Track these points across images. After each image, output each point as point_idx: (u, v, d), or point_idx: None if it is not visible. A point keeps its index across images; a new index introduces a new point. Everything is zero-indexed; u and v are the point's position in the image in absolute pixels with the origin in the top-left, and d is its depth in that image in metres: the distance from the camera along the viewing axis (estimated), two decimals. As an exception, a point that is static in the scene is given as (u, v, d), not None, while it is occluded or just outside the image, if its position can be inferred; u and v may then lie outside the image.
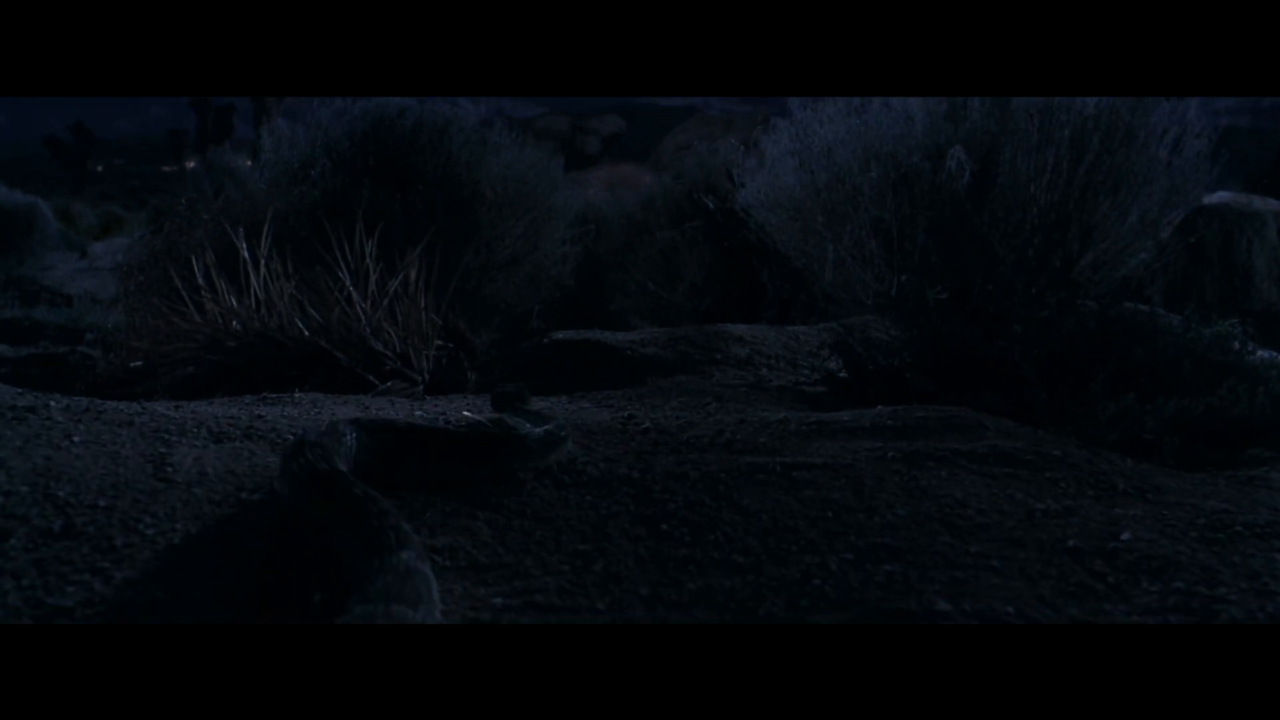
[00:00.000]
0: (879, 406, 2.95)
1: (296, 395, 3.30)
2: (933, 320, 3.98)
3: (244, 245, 4.51)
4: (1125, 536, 2.02)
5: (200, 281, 4.49)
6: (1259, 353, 3.74)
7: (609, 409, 3.02)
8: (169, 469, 2.07)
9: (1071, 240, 4.14)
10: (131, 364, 4.32)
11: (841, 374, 4.06)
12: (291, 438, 2.50)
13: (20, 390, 2.68)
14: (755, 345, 5.14)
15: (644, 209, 8.00)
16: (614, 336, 5.29)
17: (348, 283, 4.35)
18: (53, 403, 2.56)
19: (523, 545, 1.94)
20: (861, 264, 4.09)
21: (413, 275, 4.41)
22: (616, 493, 2.23)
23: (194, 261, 4.54)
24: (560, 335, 5.44)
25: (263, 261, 4.40)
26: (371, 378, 4.03)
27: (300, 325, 4.28)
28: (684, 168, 8.02)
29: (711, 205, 6.40)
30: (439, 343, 5.16)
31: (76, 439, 2.24)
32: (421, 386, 4.42)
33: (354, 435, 2.13)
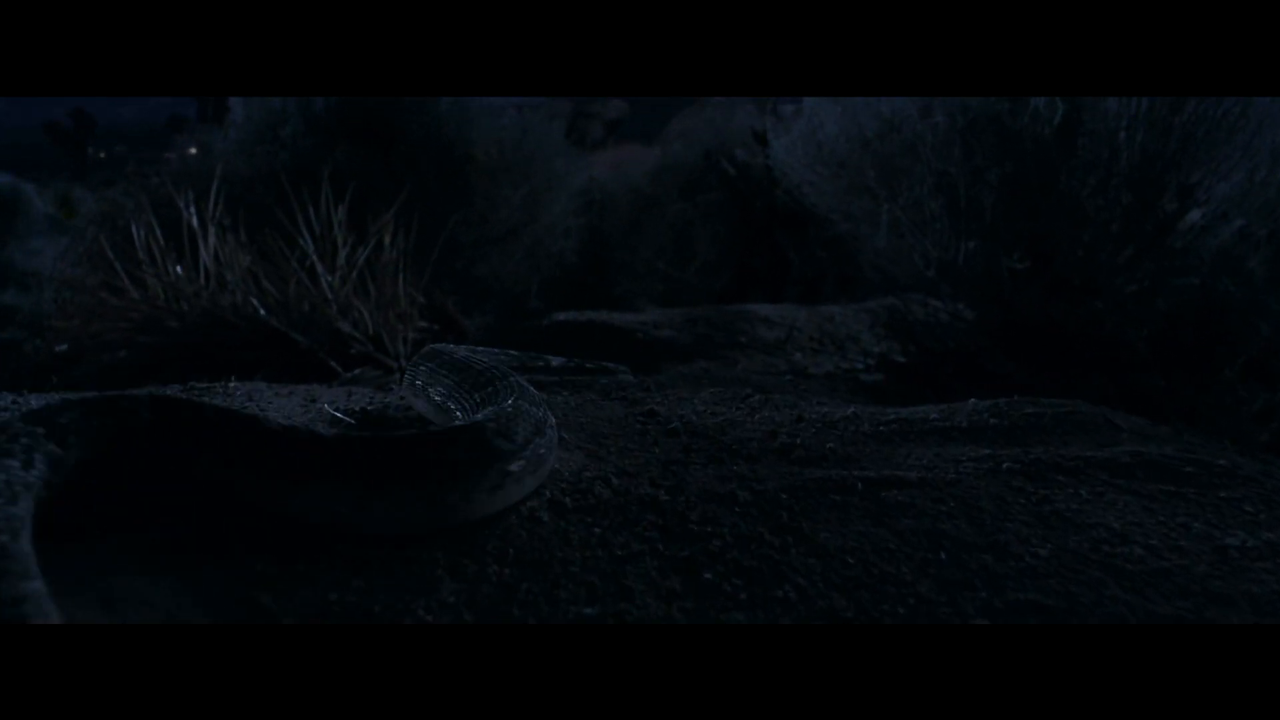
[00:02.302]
0: (971, 400, 2.29)
1: (231, 385, 2.65)
2: (1005, 292, 3.33)
3: (192, 211, 3.85)
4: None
5: (141, 255, 3.84)
6: None
7: (622, 401, 2.37)
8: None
9: (1167, 200, 3.48)
10: (56, 348, 3.68)
11: (899, 359, 3.41)
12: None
13: None
14: (785, 328, 4.48)
15: (652, 182, 7.33)
16: (623, 317, 4.63)
17: (311, 253, 3.70)
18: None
19: (502, 607, 1.30)
20: (919, 228, 3.42)
21: (387, 242, 3.75)
22: (638, 523, 1.59)
23: (134, 230, 3.89)
24: (562, 316, 4.78)
25: (211, 229, 3.74)
26: (335, 364, 3.38)
27: (254, 303, 3.62)
28: (695, 133, 7.34)
29: (732, 170, 5.73)
30: (422, 324, 4.52)
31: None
32: (398, 373, 3.77)
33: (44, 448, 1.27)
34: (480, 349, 2.57)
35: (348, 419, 2.05)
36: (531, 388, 1.84)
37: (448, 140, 5.04)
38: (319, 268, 3.67)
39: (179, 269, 3.74)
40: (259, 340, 3.52)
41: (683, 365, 4.13)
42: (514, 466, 1.53)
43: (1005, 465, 1.86)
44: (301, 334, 3.48)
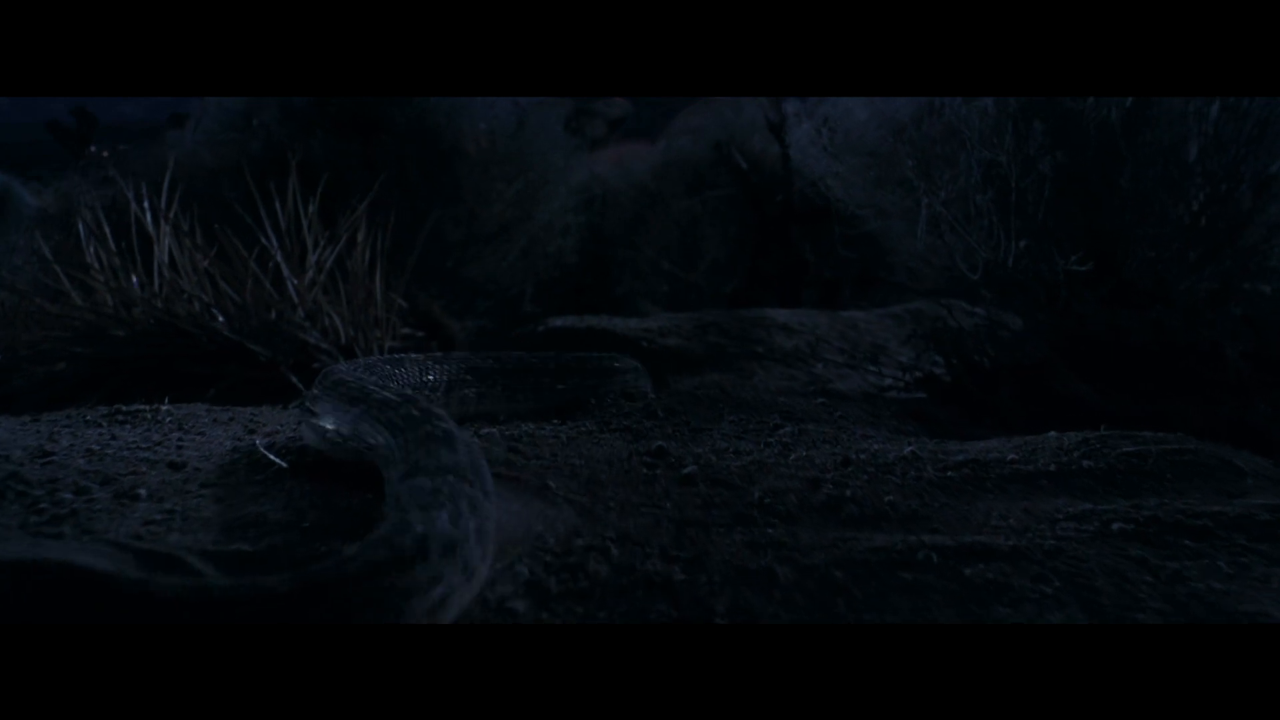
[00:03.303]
0: (1050, 434, 1.87)
1: (164, 409, 2.23)
2: (1062, 298, 2.92)
3: (146, 208, 3.44)
4: None
5: (90, 257, 3.43)
6: None
7: (624, 433, 1.96)
8: None
9: (1242, 195, 3.07)
10: (-12, 360, 3.27)
11: (940, 374, 2.99)
12: (69, 495, 1.45)
13: None
14: (804, 336, 4.07)
15: (656, 177, 6.91)
16: (625, 324, 4.22)
17: (275, 254, 3.29)
18: None
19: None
20: (963, 224, 3.01)
21: (359, 240, 3.33)
22: (645, 612, 1.18)
23: (81, 229, 3.48)
24: (559, 322, 4.37)
25: (165, 228, 3.33)
26: (297, 380, 2.96)
27: (211, 310, 3.21)
28: (702, 126, 6.92)
29: (744, 163, 5.31)
30: (405, 331, 4.10)
31: None
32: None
33: None
34: (430, 358, 2.16)
35: (280, 461, 1.63)
36: (454, 433, 1.41)
37: (435, 129, 4.63)
38: (284, 270, 3.25)
39: (131, 273, 3.33)
40: (216, 352, 3.11)
41: (693, 378, 3.71)
42: (434, 594, 1.06)
43: (1115, 526, 1.45)
44: (262, 345, 3.07)
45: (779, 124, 4.75)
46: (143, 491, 1.46)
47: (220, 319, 3.19)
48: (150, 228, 3.42)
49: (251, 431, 1.99)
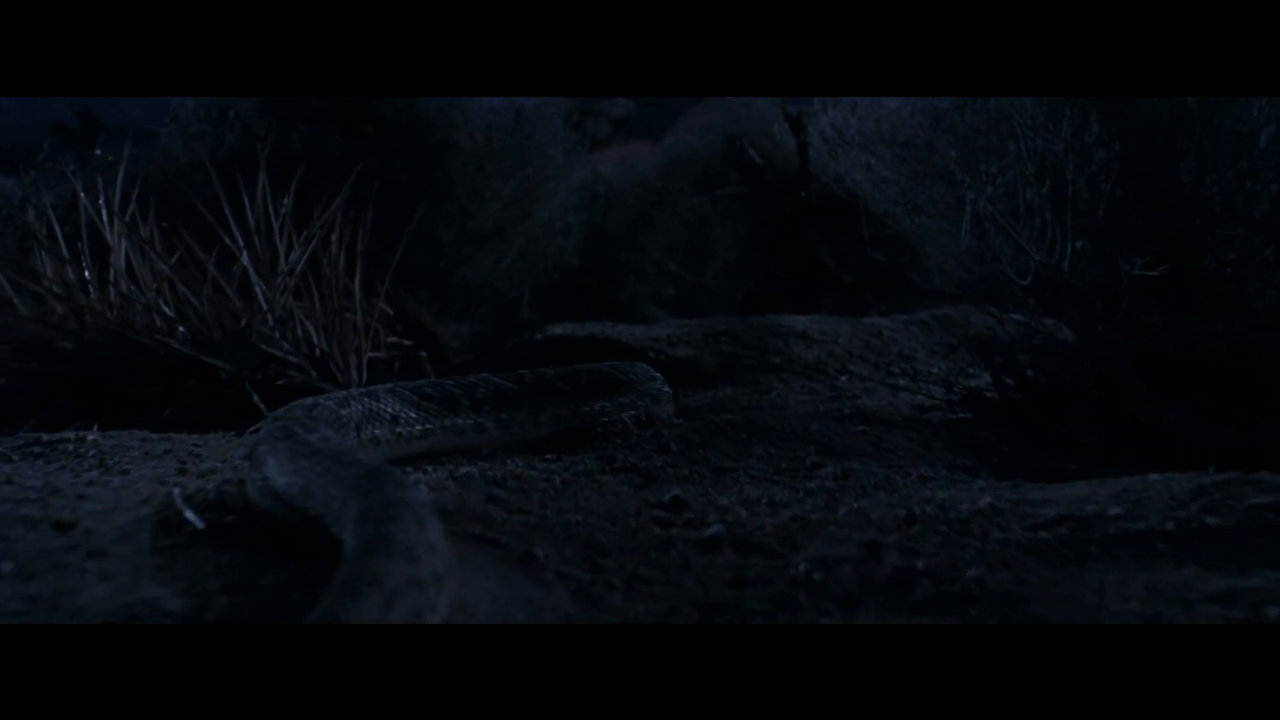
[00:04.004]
0: (1152, 477, 1.53)
1: (89, 438, 1.90)
2: (1121, 306, 2.58)
3: (103, 208, 3.12)
4: None
5: (39, 263, 3.10)
6: None
7: (630, 474, 1.62)
8: None
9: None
10: (-78, 375, 2.93)
11: (990, 392, 2.65)
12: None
13: None
14: (826, 345, 3.73)
15: (663, 174, 6.56)
16: (631, 332, 3.88)
17: (242, 256, 2.95)
18: None
19: None
20: (1011, 222, 2.67)
21: (334, 240, 3.00)
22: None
23: (33, 230, 3.15)
24: (558, 330, 4.04)
25: (121, 228, 3.00)
26: (259, 399, 2.63)
27: (170, 318, 2.88)
28: (711, 122, 6.58)
29: (758, 159, 4.96)
30: (391, 339, 3.77)
31: None
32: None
33: None
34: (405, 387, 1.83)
35: (197, 521, 1.30)
36: (405, 496, 1.08)
37: (425, 123, 4.29)
38: (252, 274, 2.92)
39: (83, 280, 3.00)
40: (173, 367, 2.78)
41: (705, 392, 3.38)
42: None
43: (1272, 612, 1.11)
44: (224, 358, 2.74)
45: (797, 115, 4.41)
46: (7, 566, 1.13)
47: (181, 329, 2.86)
48: (107, 230, 3.09)
49: (182, 471, 1.65)
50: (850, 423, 2.06)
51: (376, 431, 1.73)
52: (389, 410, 1.75)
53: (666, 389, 2.20)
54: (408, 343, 3.89)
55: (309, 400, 1.73)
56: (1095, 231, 2.65)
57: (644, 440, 1.85)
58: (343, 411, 1.70)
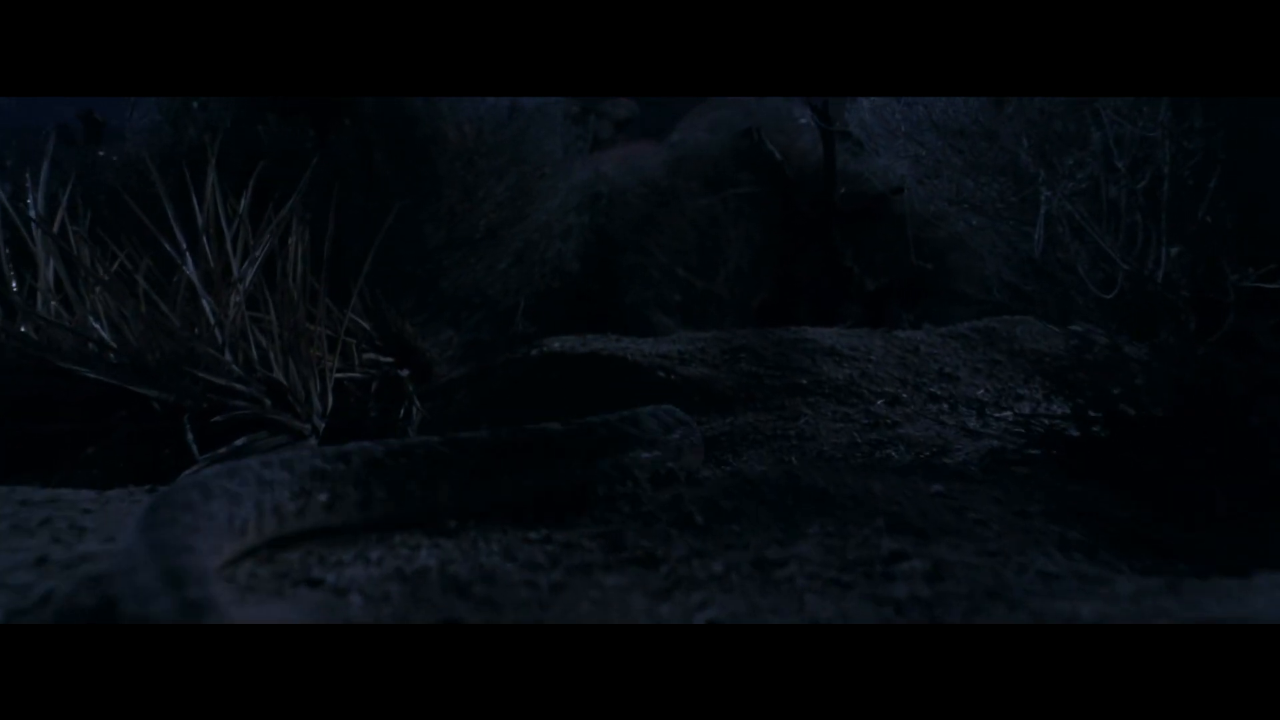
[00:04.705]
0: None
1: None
2: (1225, 325, 2.16)
3: (32, 212, 2.71)
4: None
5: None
6: None
7: (641, 569, 1.20)
8: None
9: None
10: None
11: (1062, 425, 2.24)
12: None
13: None
14: (857, 363, 3.31)
15: (670, 172, 6.14)
16: (637, 348, 3.46)
17: (186, 264, 2.53)
18: None
19: None
20: (1091, 225, 2.25)
21: (292, 244, 2.58)
22: None
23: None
24: (557, 344, 3.62)
25: (40, 233, 2.59)
26: (191, 439, 2.21)
27: (104, 338, 2.46)
28: (722, 117, 6.16)
29: (777, 154, 4.53)
30: (368, 356, 3.36)
31: None
32: (314, 439, 2.60)
33: None
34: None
35: None
36: None
37: (409, 114, 3.87)
38: (197, 285, 2.50)
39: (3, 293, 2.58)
40: (100, 397, 2.37)
41: (723, 418, 2.96)
42: None
43: None
44: (159, 386, 2.32)
45: (824, 105, 3.98)
46: None
47: (113, 351, 2.44)
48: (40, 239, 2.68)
49: (42, 562, 1.23)
50: (916, 477, 1.64)
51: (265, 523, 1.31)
52: (280, 493, 1.33)
53: (695, 437, 1.77)
54: (387, 360, 3.47)
55: (206, 473, 1.32)
56: (1191, 236, 2.23)
57: (660, 507, 1.43)
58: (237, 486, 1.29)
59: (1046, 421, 2.76)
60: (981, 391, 3.21)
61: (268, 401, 2.46)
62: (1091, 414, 2.13)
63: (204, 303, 2.52)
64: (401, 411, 3.22)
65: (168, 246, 2.50)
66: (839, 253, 4.21)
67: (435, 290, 4.14)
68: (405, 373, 3.47)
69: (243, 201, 2.76)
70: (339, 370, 3.12)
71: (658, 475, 1.56)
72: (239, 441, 2.35)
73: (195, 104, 3.84)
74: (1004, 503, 1.52)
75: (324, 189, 3.54)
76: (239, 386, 2.36)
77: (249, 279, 2.52)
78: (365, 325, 3.31)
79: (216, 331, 2.50)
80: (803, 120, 6.30)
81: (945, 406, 3.03)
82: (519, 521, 1.44)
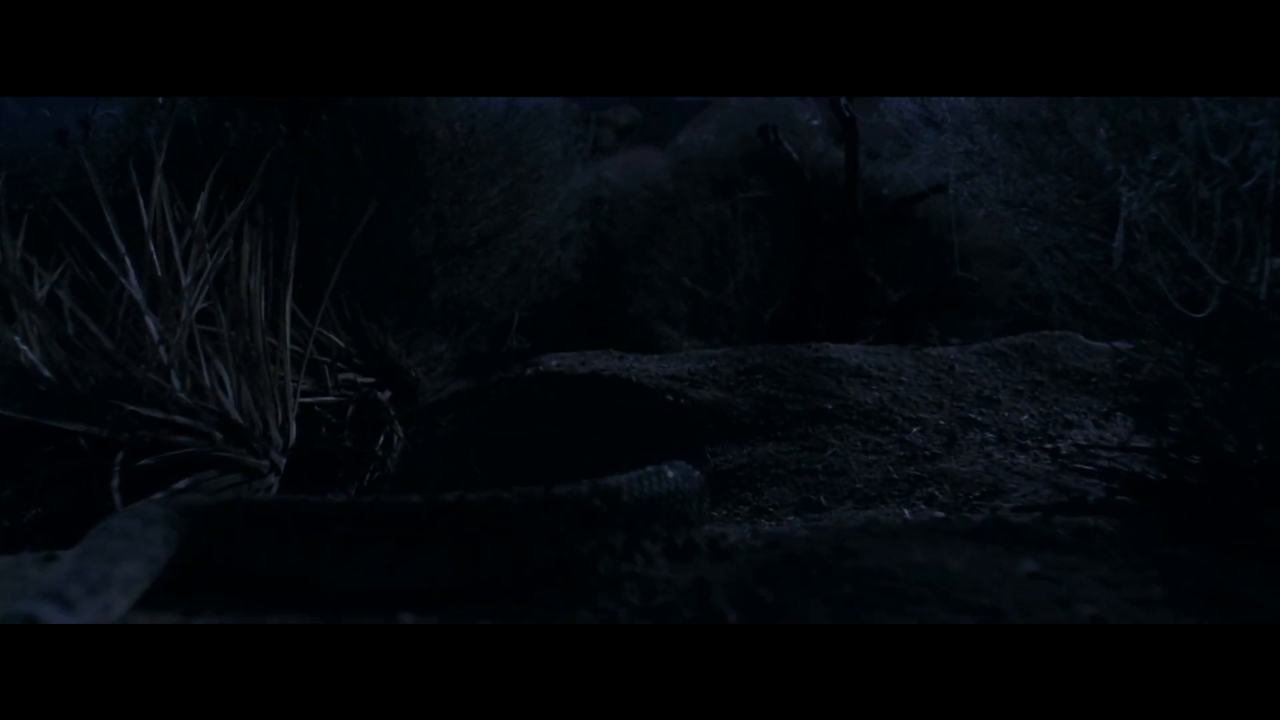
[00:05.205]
0: None
1: None
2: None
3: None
4: None
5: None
6: None
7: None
8: None
9: None
10: None
11: (1137, 467, 1.91)
12: None
13: None
14: (887, 385, 2.98)
15: (676, 176, 5.83)
16: (642, 366, 3.13)
17: (129, 280, 2.21)
18: None
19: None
20: (1178, 231, 1.91)
21: (245, 257, 2.26)
22: None
23: None
24: (554, 362, 3.29)
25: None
26: (116, 485, 1.88)
27: (35, 363, 2.14)
28: (731, 119, 5.84)
29: (794, 154, 4.20)
30: (345, 376, 3.04)
31: None
32: (274, 476, 2.27)
33: None
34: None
35: None
36: None
37: (394, 110, 3.55)
38: (139, 301, 2.17)
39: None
40: (21, 429, 2.04)
41: (741, 449, 2.63)
42: None
43: None
44: (89, 419, 1.99)
45: (847, 101, 3.66)
46: None
47: (43, 384, 2.11)
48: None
49: None
50: (996, 547, 1.31)
51: None
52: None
53: (703, 505, 1.40)
54: (367, 380, 3.15)
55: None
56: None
57: (681, 595, 1.10)
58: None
59: (1106, 456, 2.43)
60: (1026, 417, 2.88)
61: (218, 435, 2.13)
62: (1188, 459, 1.80)
63: (147, 320, 2.19)
64: (381, 439, 2.90)
65: (104, 257, 2.17)
66: (861, 261, 3.89)
67: (424, 301, 3.82)
68: (387, 394, 3.15)
69: (199, 206, 2.44)
70: (309, 394, 2.79)
71: (673, 548, 1.23)
72: (180, 484, 2.02)
73: (160, 100, 3.52)
74: (1114, 585, 1.19)
75: (300, 190, 3.22)
76: (178, 420, 2.03)
77: (201, 291, 2.19)
78: (340, 342, 2.98)
79: (162, 351, 2.17)
80: (814, 122, 5.99)
81: (989, 436, 2.70)
82: (499, 611, 1.11)
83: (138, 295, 2.17)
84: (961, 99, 2.19)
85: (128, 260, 2.20)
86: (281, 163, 3.12)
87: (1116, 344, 2.51)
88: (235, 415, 2.10)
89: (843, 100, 3.66)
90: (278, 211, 2.71)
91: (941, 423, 2.78)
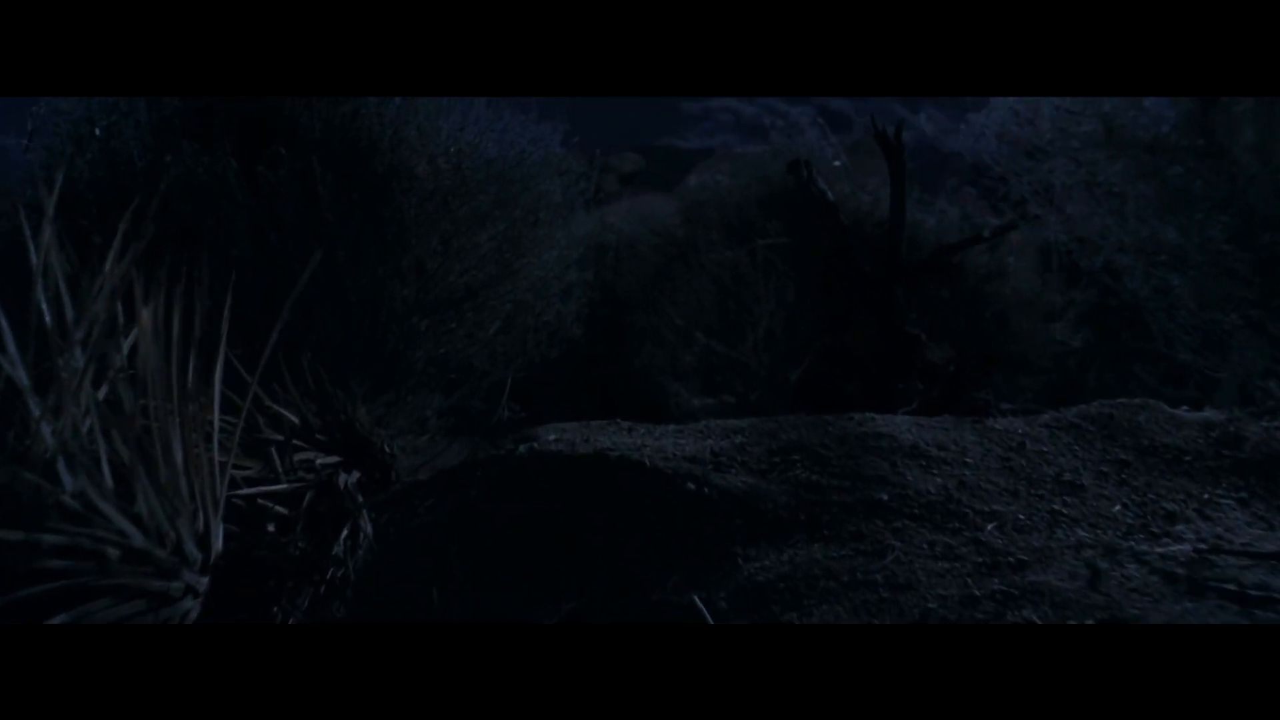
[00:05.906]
0: None
1: None
2: None
3: None
4: None
5: None
6: None
7: None
8: None
9: None
10: None
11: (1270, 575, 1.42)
12: None
13: None
14: (950, 467, 2.49)
15: (686, 220, 5.37)
16: (656, 444, 2.64)
17: (12, 354, 1.73)
18: None
19: None
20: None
21: (146, 317, 1.77)
22: None
23: None
24: (552, 437, 2.80)
25: None
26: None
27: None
28: (747, 157, 5.39)
29: (829, 192, 3.71)
30: (303, 457, 2.56)
31: None
32: (191, 600, 1.76)
33: None
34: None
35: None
36: None
37: (367, 140, 3.08)
38: (17, 378, 1.69)
39: None
40: None
41: (780, 553, 2.13)
42: None
43: None
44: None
45: (897, 127, 3.18)
46: None
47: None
48: None
49: None
50: None
51: None
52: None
53: None
54: (331, 459, 2.66)
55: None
56: None
57: None
58: None
59: (1235, 565, 1.95)
60: (1119, 508, 2.39)
61: (112, 553, 1.63)
62: None
63: (30, 403, 1.71)
64: (344, 534, 2.40)
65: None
66: (903, 315, 3.40)
67: (404, 363, 3.33)
68: (354, 477, 2.66)
69: (110, 254, 1.96)
70: (253, 482, 2.30)
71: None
72: (58, 618, 1.52)
73: (98, 129, 3.06)
74: None
75: (254, 235, 2.75)
76: (64, 527, 1.53)
77: (91, 357, 1.70)
78: (293, 417, 2.49)
79: (47, 435, 1.68)
80: (837, 163, 5.55)
81: (1082, 534, 2.20)
82: None
83: (11, 368, 1.68)
84: (1083, 116, 1.73)
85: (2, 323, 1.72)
86: (231, 202, 2.65)
87: (1208, 413, 2.03)
88: (125, 525, 1.60)
89: (887, 126, 3.19)
90: (226, 259, 2.24)
91: (1021, 517, 2.28)
